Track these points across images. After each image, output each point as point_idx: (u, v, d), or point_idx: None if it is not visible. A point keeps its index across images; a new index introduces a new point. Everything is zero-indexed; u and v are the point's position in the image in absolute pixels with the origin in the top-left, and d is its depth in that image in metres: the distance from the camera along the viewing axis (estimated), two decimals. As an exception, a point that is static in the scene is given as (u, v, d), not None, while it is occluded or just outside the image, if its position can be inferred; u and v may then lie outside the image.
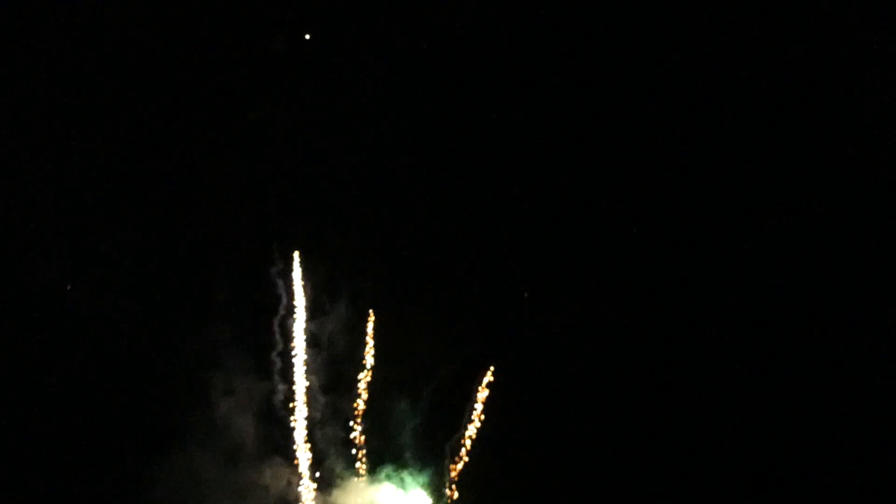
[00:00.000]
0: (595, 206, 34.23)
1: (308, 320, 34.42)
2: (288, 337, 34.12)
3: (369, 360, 34.19)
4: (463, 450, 33.35)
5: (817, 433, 31.24)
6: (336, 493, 33.77)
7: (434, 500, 33.66)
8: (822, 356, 31.70)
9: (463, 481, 33.44)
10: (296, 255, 34.55)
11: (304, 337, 34.08)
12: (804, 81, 32.62)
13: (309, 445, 33.58)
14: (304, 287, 34.44)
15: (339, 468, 33.91)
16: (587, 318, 33.60)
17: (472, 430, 33.50)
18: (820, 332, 31.76)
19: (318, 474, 33.67)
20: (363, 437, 33.86)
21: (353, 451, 33.89)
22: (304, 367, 33.84)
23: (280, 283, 34.63)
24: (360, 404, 33.95)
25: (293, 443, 33.67)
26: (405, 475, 33.72)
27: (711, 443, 32.09)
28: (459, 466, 33.40)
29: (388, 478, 33.79)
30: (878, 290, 31.48)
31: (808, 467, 31.14)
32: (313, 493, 33.64)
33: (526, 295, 34.41)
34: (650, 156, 34.00)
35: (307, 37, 34.33)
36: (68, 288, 32.33)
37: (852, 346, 31.33)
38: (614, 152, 34.30)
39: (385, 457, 33.98)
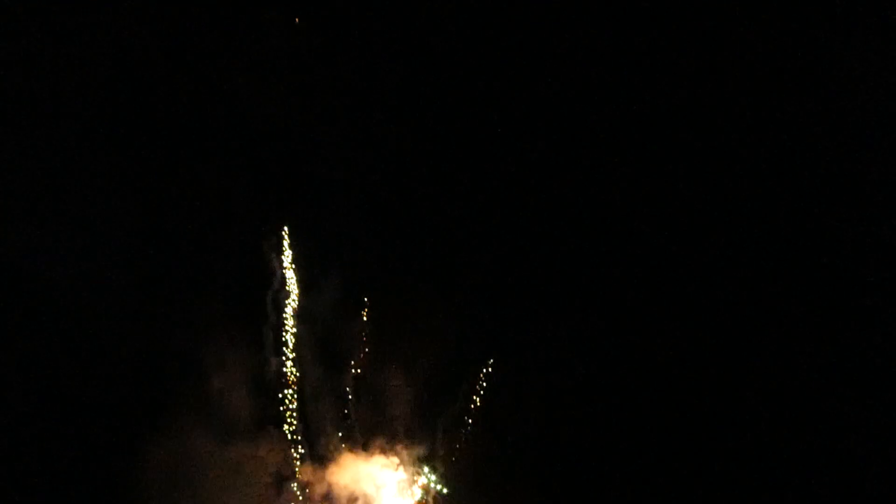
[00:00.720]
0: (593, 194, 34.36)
1: (301, 295, 34.21)
2: (281, 311, 33.90)
3: (363, 335, 34.18)
4: (457, 425, 33.85)
5: (817, 433, 31.70)
6: (331, 468, 34.02)
7: (427, 474, 34.13)
8: (821, 356, 32.13)
9: (456, 456, 33.94)
10: (285, 230, 34.25)
11: (298, 311, 33.97)
12: (804, 81, 32.75)
13: (303, 420, 33.79)
14: (298, 261, 34.13)
15: (333, 443, 34.14)
16: (584, 300, 33.97)
17: (466, 406, 33.94)
18: (820, 332, 32.18)
19: (312, 449, 33.93)
20: (357, 412, 34.09)
21: (347, 425, 34.14)
22: (298, 342, 33.83)
23: (273, 257, 34.24)
24: (354, 379, 34.07)
25: (287, 417, 33.79)
26: (399, 450, 34.08)
27: (709, 440, 32.63)
28: (453, 441, 33.95)
29: (382, 452, 34.11)
30: (878, 290, 31.84)
31: (807, 467, 31.68)
32: (309, 468, 33.96)
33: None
34: (650, 156, 34.10)
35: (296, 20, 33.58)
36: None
37: (852, 346, 31.75)
38: (615, 148, 34.41)
39: (378, 431, 34.22)
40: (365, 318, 34.31)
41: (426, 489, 34.10)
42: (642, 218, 33.79)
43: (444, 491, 33.97)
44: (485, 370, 34.09)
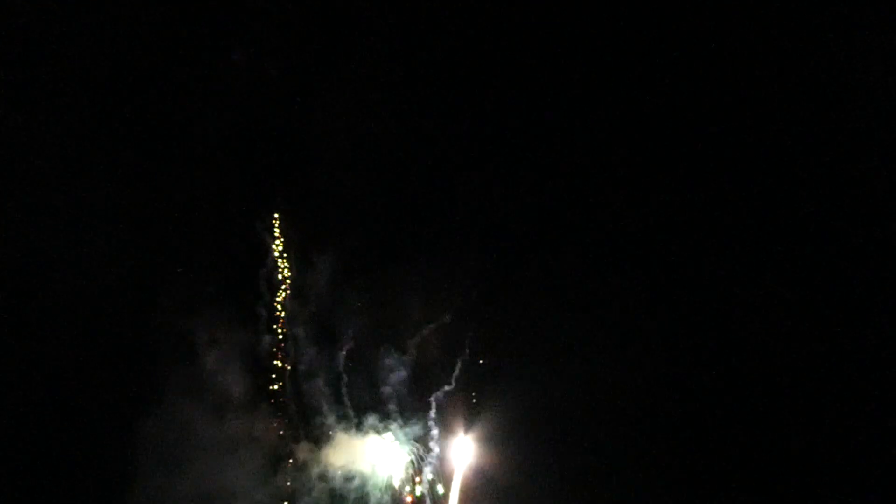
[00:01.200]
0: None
1: (295, 273, 33.99)
2: (275, 290, 33.62)
3: (356, 313, 33.95)
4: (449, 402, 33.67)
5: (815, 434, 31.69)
6: (326, 447, 33.86)
7: (419, 452, 33.98)
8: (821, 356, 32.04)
9: (448, 433, 33.79)
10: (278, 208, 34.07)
11: (292, 289, 33.76)
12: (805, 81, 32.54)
13: (297, 399, 33.70)
14: (291, 240, 33.82)
15: (327, 420, 33.92)
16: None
17: (457, 384, 33.75)
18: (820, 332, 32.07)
19: (307, 428, 33.84)
20: (351, 391, 33.85)
21: (341, 404, 33.89)
22: (291, 320, 33.69)
23: (267, 235, 33.87)
24: (348, 358, 33.84)
25: (281, 396, 33.63)
26: (392, 427, 33.88)
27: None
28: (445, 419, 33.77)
29: (375, 430, 33.89)
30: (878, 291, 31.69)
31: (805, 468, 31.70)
32: (304, 447, 33.88)
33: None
34: (651, 155, 33.84)
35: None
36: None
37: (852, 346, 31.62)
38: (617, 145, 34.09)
39: (372, 410, 34.01)
40: (359, 297, 34.00)
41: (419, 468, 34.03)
42: (641, 217, 33.87)
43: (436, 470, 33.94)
44: (479, 350, 33.93)
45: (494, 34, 34.12)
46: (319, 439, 33.92)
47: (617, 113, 33.67)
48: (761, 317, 32.67)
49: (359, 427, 33.95)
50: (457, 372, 33.86)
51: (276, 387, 33.81)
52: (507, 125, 34.12)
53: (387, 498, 33.59)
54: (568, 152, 34.18)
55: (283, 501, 33.74)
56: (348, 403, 33.88)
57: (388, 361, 33.76)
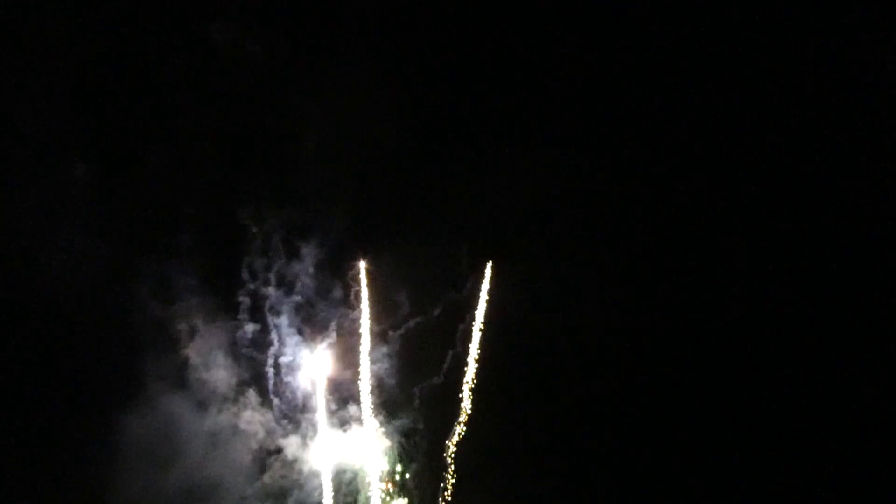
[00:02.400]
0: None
1: (279, 262, 32.90)
2: (259, 279, 32.58)
3: (341, 303, 33.02)
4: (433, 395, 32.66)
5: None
6: (312, 438, 32.74)
7: (404, 445, 32.97)
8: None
9: (433, 425, 32.90)
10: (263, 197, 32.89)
11: (276, 278, 32.73)
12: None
13: (281, 391, 32.72)
14: (276, 229, 32.81)
15: (314, 413, 32.86)
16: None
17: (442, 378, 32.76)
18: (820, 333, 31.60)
19: (293, 421, 32.87)
20: (336, 381, 32.86)
21: (327, 395, 32.86)
22: (275, 309, 32.64)
23: (251, 224, 32.76)
24: (332, 348, 32.79)
25: (266, 386, 32.75)
26: (378, 419, 32.83)
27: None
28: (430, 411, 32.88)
29: (360, 422, 32.76)
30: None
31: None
32: (292, 441, 32.84)
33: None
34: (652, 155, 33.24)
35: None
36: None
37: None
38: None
39: (358, 401, 32.90)
40: (344, 287, 32.98)
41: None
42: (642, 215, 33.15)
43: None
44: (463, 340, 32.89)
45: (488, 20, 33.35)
46: (307, 433, 32.81)
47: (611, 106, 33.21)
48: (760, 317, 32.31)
49: (346, 420, 32.89)
50: (447, 364, 32.80)
51: (260, 377, 32.79)
52: (493, 112, 33.37)
53: (376, 491, 32.50)
54: (565, 152, 33.28)
55: (272, 498, 32.74)
56: (335, 395, 32.90)
57: (374, 353, 32.76)
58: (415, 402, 32.46)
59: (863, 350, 31.22)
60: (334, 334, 32.91)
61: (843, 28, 31.31)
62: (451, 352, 32.89)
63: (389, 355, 32.73)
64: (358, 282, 32.90)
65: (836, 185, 32.07)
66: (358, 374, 32.58)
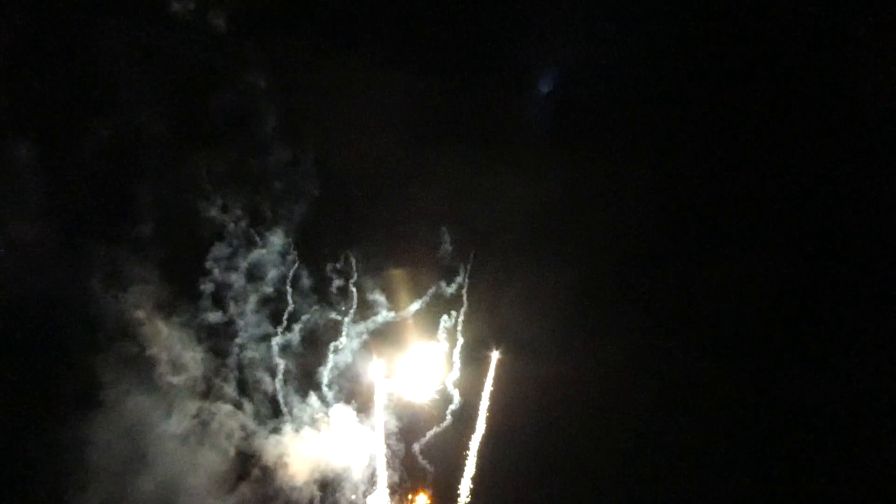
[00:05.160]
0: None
1: (245, 251, 30.46)
2: (225, 269, 30.09)
3: (307, 294, 30.84)
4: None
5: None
6: (293, 443, 30.38)
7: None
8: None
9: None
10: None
11: (244, 267, 30.31)
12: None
13: (254, 390, 30.44)
14: (242, 216, 30.40)
15: (290, 412, 30.54)
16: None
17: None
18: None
19: (271, 423, 30.56)
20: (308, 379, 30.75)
21: (301, 393, 30.70)
22: (241, 299, 30.21)
23: (215, 212, 30.25)
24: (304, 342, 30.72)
25: (238, 386, 30.32)
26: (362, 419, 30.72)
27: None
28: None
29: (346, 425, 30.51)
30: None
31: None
32: (269, 443, 30.40)
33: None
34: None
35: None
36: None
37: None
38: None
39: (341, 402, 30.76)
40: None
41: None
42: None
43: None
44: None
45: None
46: (283, 434, 30.31)
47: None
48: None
49: (320, 420, 30.53)
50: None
51: (230, 374, 30.33)
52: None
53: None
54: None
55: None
56: (308, 393, 30.59)
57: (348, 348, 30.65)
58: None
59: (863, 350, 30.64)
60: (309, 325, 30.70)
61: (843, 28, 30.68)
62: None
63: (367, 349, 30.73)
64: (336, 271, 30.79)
65: (837, 185, 31.37)
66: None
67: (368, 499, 30.32)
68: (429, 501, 30.38)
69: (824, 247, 31.27)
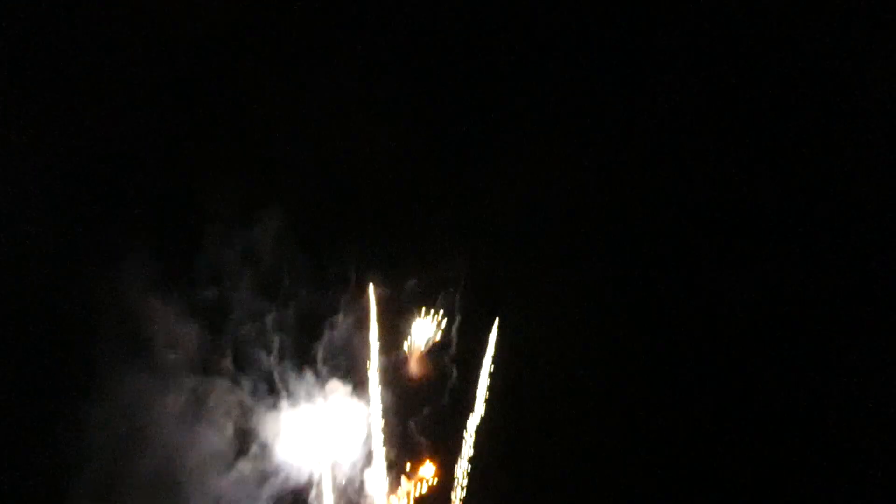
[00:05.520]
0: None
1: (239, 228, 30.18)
2: (217, 244, 29.77)
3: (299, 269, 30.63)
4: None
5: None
6: (291, 416, 30.17)
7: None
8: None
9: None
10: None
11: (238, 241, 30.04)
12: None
13: (250, 363, 30.21)
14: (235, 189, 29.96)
15: (287, 387, 30.39)
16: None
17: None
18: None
19: (268, 398, 30.25)
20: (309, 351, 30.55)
21: (304, 368, 30.43)
22: (237, 273, 30.04)
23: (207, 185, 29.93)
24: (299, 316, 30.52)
25: (233, 360, 30.09)
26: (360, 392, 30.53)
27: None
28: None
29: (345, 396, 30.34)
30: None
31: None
32: (268, 418, 30.14)
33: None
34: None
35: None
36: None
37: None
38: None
39: (338, 375, 30.57)
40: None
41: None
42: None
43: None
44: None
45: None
46: (280, 410, 30.13)
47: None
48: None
49: (324, 394, 30.29)
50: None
51: (227, 349, 30.10)
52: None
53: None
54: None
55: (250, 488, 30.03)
56: (306, 367, 30.35)
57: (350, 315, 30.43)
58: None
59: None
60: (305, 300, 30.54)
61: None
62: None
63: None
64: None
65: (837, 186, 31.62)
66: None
67: (366, 472, 30.41)
68: (434, 467, 30.45)
69: (824, 246, 31.49)
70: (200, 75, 30.33)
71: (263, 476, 29.98)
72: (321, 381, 30.42)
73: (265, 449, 30.09)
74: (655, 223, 32.06)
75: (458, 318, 30.90)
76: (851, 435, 30.30)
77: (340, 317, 30.54)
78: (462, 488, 30.04)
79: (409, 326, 31.03)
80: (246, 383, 30.12)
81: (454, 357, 30.76)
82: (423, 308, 30.99)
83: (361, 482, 30.23)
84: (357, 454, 30.42)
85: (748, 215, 31.97)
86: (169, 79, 30.08)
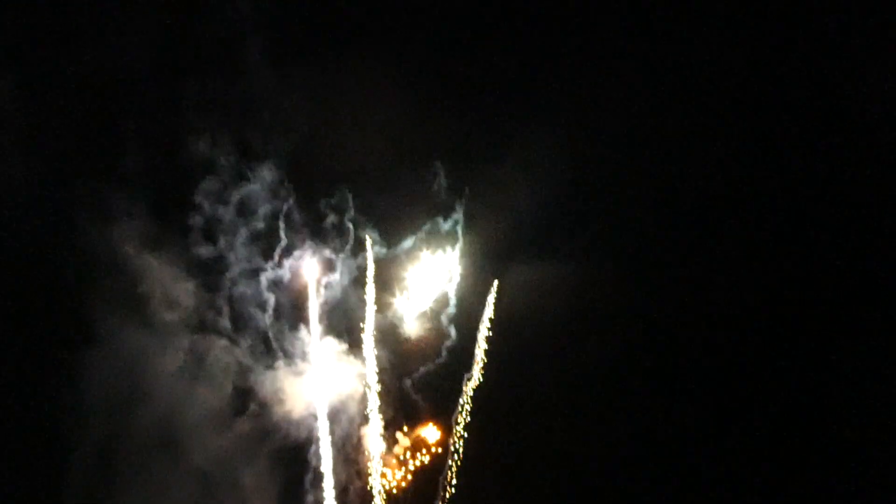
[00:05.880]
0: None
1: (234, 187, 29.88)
2: (214, 203, 29.49)
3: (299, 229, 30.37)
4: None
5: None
6: (291, 378, 30.23)
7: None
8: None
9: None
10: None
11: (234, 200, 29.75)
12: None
13: (248, 322, 30.11)
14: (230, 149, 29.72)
15: (286, 347, 30.37)
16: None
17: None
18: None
19: (267, 357, 30.28)
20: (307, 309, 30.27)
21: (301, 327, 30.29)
22: (233, 233, 29.76)
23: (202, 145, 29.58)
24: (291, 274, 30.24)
25: (228, 316, 30.02)
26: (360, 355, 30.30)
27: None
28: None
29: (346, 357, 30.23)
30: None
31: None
32: (267, 378, 30.29)
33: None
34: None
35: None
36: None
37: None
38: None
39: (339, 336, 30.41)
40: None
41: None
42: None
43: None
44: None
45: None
46: (278, 369, 30.12)
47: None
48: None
49: (312, 354, 30.22)
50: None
51: (223, 307, 30.02)
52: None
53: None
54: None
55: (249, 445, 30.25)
56: (300, 328, 30.21)
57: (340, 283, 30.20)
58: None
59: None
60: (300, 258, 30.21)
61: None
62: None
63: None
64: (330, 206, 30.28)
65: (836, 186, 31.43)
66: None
67: (364, 429, 30.53)
68: (437, 430, 30.62)
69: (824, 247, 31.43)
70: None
71: (262, 433, 30.24)
72: (317, 339, 30.31)
73: (264, 406, 30.27)
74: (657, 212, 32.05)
75: (456, 279, 30.66)
76: (851, 435, 30.36)
77: (337, 275, 30.38)
78: (458, 453, 30.23)
79: (407, 285, 30.81)
80: (243, 342, 30.14)
81: (452, 317, 30.55)
82: (421, 267, 30.71)
83: (359, 439, 30.39)
84: (354, 412, 30.53)
85: (748, 215, 31.89)
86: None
